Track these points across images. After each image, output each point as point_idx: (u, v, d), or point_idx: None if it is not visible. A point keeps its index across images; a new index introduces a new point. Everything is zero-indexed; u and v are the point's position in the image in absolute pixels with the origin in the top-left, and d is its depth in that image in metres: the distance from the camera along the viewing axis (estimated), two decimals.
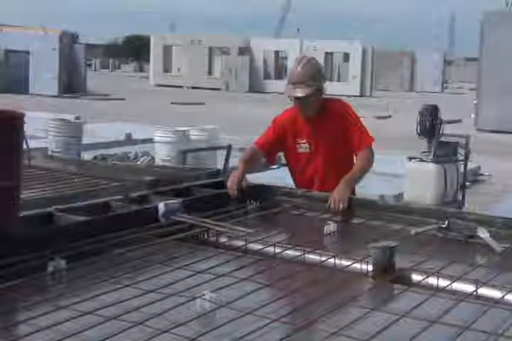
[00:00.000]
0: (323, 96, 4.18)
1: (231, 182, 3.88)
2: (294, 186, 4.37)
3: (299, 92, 4.03)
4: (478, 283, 2.54)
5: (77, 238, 2.87)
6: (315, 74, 4.07)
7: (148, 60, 44.87)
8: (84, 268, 2.63)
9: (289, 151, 4.32)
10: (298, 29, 70.73)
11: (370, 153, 4.15)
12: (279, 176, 8.43)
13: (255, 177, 5.49)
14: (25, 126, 2.81)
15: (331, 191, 3.85)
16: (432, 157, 7.95)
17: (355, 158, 4.23)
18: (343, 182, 3.92)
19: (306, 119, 4.20)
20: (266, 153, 4.30)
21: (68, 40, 31.38)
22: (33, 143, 9.39)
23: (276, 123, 4.30)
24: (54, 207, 3.25)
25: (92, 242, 2.88)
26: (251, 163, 4.16)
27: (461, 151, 8.38)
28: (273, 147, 4.30)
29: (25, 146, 2.92)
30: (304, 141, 4.22)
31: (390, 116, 24.82)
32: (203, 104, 27.56)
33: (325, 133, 4.18)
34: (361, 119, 4.28)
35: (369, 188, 8.09)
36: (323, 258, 2.87)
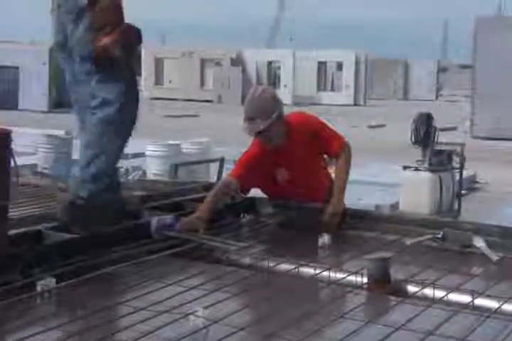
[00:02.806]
0: (283, 121, 4.04)
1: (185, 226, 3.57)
2: None
3: (259, 127, 3.92)
4: (474, 293, 2.54)
5: (67, 256, 2.86)
6: (270, 105, 3.98)
7: (139, 73, 44.96)
8: (75, 287, 2.61)
9: (268, 182, 4.18)
10: (291, 38, 70.88)
11: (346, 154, 4.11)
12: None
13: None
14: (12, 142, 2.81)
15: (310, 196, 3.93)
16: (426, 166, 7.97)
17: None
18: (337, 194, 3.91)
19: (276, 148, 4.06)
20: (241, 184, 4.07)
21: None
22: (22, 160, 9.38)
23: (249, 159, 4.12)
24: (43, 224, 3.24)
25: (82, 260, 2.86)
26: (222, 200, 3.97)
27: (457, 159, 8.39)
28: (249, 180, 4.09)
29: (12, 163, 2.91)
30: (283, 169, 4.10)
31: (383, 125, 24.88)
32: (197, 116, 27.59)
33: (299, 154, 4.08)
34: (326, 124, 4.20)
35: (364, 198, 8.10)
36: (318, 271, 2.86)
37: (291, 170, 4.11)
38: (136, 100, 3.50)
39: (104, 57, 3.29)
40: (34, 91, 28.94)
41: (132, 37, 3.41)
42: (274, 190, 4.23)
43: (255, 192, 4.31)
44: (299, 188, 4.10)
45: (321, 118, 4.23)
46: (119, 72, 3.37)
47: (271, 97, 4.04)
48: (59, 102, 30.61)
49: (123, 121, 3.39)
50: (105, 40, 3.28)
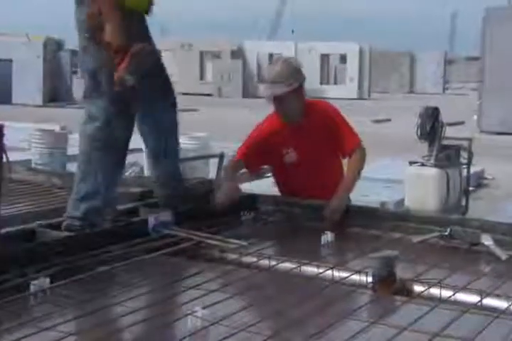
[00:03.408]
0: (304, 97, 4.08)
1: (224, 197, 3.81)
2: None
3: (276, 92, 3.93)
4: (482, 293, 2.53)
5: (62, 255, 2.86)
6: (292, 72, 3.98)
7: None
8: (70, 287, 2.61)
9: (275, 163, 4.20)
10: (293, 31, 70.73)
11: (360, 155, 4.10)
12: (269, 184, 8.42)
13: (247, 186, 5.48)
14: (5, 137, 2.80)
15: (319, 197, 3.88)
16: (433, 161, 7.95)
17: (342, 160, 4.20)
18: (342, 190, 3.92)
19: (290, 126, 4.08)
20: (247, 164, 4.19)
21: (53, 47, 31.38)
22: (15, 156, 9.36)
23: (259, 135, 4.16)
24: (37, 222, 3.24)
25: (78, 259, 2.86)
26: (235, 175, 4.09)
27: (464, 155, 8.38)
28: (256, 159, 4.17)
29: (4, 159, 2.90)
30: (292, 150, 4.10)
31: (389, 120, 24.85)
32: (196, 110, 27.58)
33: (312, 138, 4.09)
34: (347, 120, 4.19)
35: (369, 195, 8.09)
36: (321, 270, 2.86)
37: (300, 154, 4.10)
38: (127, 117, 3.45)
39: (123, 87, 3.30)
40: (28, 84, 28.90)
41: (145, 59, 3.38)
42: (280, 173, 4.24)
43: (257, 188, 4.32)
44: (306, 177, 4.11)
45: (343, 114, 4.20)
46: (102, 87, 3.38)
47: (295, 66, 4.06)
48: (54, 96, 30.63)
49: (108, 138, 3.37)
50: (120, 72, 3.27)
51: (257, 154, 4.11)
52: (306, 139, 4.08)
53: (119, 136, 3.42)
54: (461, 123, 21.30)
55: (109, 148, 3.39)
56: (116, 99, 3.39)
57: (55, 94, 31.16)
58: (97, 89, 3.40)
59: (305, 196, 4.07)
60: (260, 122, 4.23)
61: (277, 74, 3.96)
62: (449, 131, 8.23)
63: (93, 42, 3.36)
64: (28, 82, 28.92)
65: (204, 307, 2.26)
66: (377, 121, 23.67)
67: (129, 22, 3.31)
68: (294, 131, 4.08)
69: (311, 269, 2.89)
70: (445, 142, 8.15)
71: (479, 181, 12.07)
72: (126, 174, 8.62)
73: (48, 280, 2.57)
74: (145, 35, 3.58)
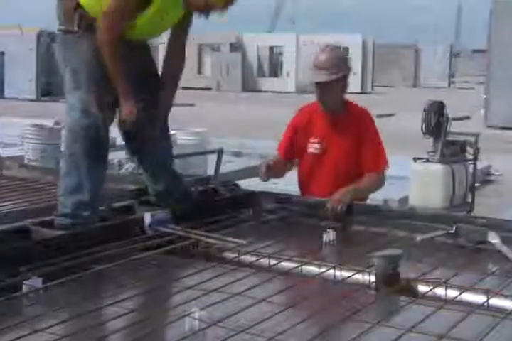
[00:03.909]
0: (346, 89, 4.22)
1: (264, 168, 4.00)
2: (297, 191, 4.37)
3: (322, 78, 4.08)
4: (489, 292, 2.53)
5: (56, 254, 2.85)
6: (338, 62, 4.15)
7: None
8: (63, 287, 2.60)
9: (300, 151, 4.30)
10: (294, 22, 70.78)
11: (379, 178, 4.19)
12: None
13: (247, 183, 5.48)
14: None
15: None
16: (438, 157, 7.94)
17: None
18: (351, 187, 3.98)
19: (325, 117, 4.21)
20: (287, 159, 4.35)
21: (47, 40, 31.34)
22: (7, 152, 9.35)
23: (290, 125, 4.37)
24: (29, 220, 3.24)
25: (72, 258, 2.85)
26: (275, 167, 4.17)
27: (470, 150, 8.36)
28: (292, 151, 4.34)
29: None
30: (316, 140, 4.22)
31: (393, 114, 24.85)
32: (193, 105, 27.56)
33: (340, 136, 4.17)
34: (379, 133, 4.25)
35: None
36: (322, 270, 2.85)
37: (326, 147, 4.21)
38: (106, 106, 3.47)
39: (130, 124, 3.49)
40: (21, 78, 28.86)
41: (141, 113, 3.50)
42: (302, 165, 4.34)
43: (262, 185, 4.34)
44: (325, 173, 4.16)
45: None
46: (81, 79, 3.44)
47: (343, 56, 4.32)
48: (48, 90, 30.60)
49: (87, 128, 3.41)
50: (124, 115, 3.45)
51: (291, 146, 4.32)
52: (336, 135, 4.19)
53: (98, 126, 3.43)
54: (467, 118, 21.29)
55: (89, 139, 3.41)
56: (93, 90, 3.42)
57: (49, 88, 31.12)
58: (76, 81, 3.45)
59: (319, 194, 4.11)
60: (297, 111, 4.43)
61: (323, 61, 4.12)
62: (454, 126, 8.22)
63: (72, 36, 3.44)
64: (21, 76, 28.87)
65: (201, 308, 2.25)
66: (381, 116, 23.66)
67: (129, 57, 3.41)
68: (326, 124, 4.22)
69: (312, 268, 2.88)
70: (451, 137, 8.13)
71: (486, 177, 12.07)
72: (122, 171, 8.62)
73: (40, 280, 2.56)
74: (148, 67, 3.71)
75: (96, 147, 3.45)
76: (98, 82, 3.41)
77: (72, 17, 3.42)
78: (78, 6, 3.41)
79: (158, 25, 3.52)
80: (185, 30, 3.68)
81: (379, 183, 4.21)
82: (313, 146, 4.24)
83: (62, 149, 3.76)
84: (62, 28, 3.50)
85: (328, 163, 4.19)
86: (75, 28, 3.42)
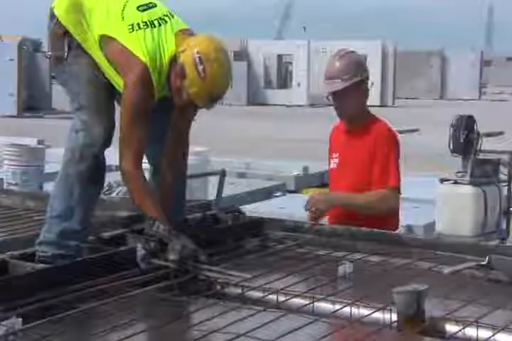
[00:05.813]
0: (366, 94, 4.32)
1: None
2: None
3: (335, 87, 4.17)
4: None
5: (36, 290, 2.85)
6: (351, 67, 4.21)
7: None
8: (46, 329, 2.60)
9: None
10: (304, 28, 71.19)
11: (385, 197, 4.19)
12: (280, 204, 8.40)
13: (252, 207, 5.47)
14: None
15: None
16: (468, 178, 7.93)
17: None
18: (334, 195, 4.27)
19: (343, 129, 4.36)
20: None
21: (29, 48, 31.54)
22: None
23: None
24: (8, 253, 3.24)
25: (55, 295, 2.85)
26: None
27: (504, 170, 8.36)
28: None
29: None
30: (336, 156, 4.38)
31: (416, 130, 24.88)
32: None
33: (356, 150, 4.25)
34: (397, 154, 4.27)
35: None
36: (337, 307, 2.85)
37: (341, 161, 4.34)
38: (106, 129, 3.55)
39: None
40: (0, 92, 28.95)
41: None
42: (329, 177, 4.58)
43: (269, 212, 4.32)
44: (340, 188, 4.29)
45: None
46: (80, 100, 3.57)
47: (354, 59, 4.34)
48: (30, 105, 30.74)
49: (85, 149, 3.49)
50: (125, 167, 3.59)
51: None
52: (351, 149, 4.30)
53: (98, 148, 3.52)
54: (501, 133, 21.30)
55: (87, 161, 3.48)
56: (94, 111, 3.53)
57: (32, 103, 31.27)
58: (77, 102, 3.58)
59: (331, 220, 4.25)
60: None
61: (335, 69, 4.22)
62: (486, 143, 8.22)
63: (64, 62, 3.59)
64: (0, 89, 28.96)
65: None
66: (403, 132, 23.71)
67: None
68: (344, 137, 4.37)
69: (325, 305, 2.88)
70: (482, 156, 8.13)
71: None
72: (113, 195, 8.62)
73: (20, 320, 2.56)
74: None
75: (93, 171, 3.53)
76: (99, 103, 3.55)
77: (62, 43, 3.56)
78: (67, 32, 3.55)
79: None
80: (189, 120, 3.86)
81: (385, 202, 4.18)
82: (333, 161, 4.40)
83: (49, 170, 3.83)
84: (50, 53, 3.68)
85: (344, 177, 4.30)
86: (65, 54, 3.56)
